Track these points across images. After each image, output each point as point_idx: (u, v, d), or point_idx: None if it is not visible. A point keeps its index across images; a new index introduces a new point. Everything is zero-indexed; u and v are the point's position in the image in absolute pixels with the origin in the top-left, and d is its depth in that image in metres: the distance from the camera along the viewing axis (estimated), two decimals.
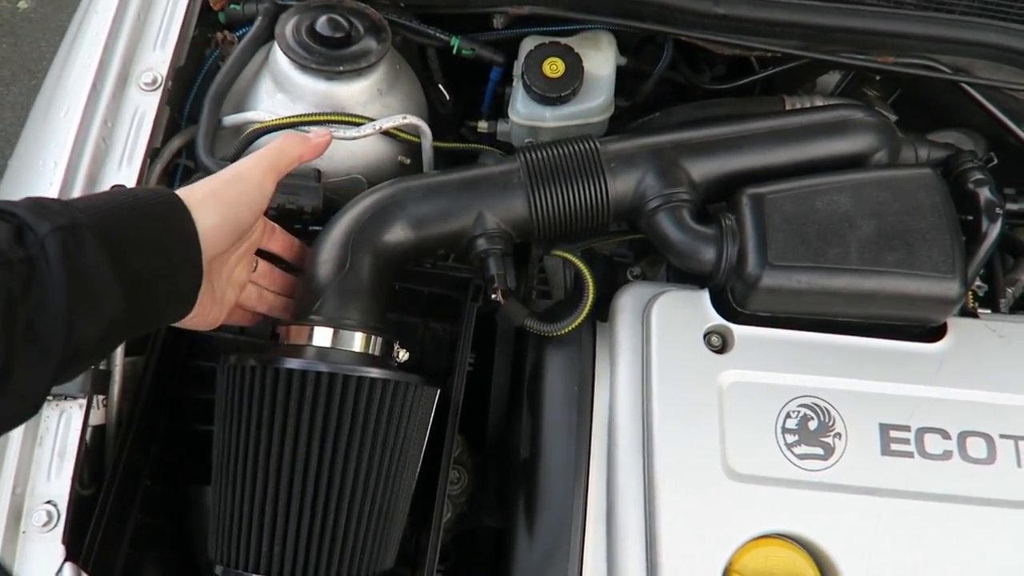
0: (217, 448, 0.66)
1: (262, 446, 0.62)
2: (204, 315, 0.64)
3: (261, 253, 0.72)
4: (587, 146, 0.74)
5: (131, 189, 0.57)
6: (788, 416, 0.69)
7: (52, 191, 0.72)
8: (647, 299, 0.75)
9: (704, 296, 0.73)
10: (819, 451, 0.68)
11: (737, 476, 0.67)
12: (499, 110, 0.95)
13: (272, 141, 0.66)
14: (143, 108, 0.77)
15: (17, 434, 0.65)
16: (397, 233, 0.71)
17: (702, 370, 0.70)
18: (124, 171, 0.74)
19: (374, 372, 0.63)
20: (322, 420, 0.61)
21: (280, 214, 0.75)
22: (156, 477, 0.80)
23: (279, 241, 0.72)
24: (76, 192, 0.73)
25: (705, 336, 0.72)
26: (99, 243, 0.48)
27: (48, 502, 0.65)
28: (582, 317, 0.73)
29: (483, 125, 0.94)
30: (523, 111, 0.84)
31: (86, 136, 0.74)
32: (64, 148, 0.73)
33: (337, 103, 0.81)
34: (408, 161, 0.86)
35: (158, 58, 0.79)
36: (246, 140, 0.78)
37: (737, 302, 0.72)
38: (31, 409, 0.49)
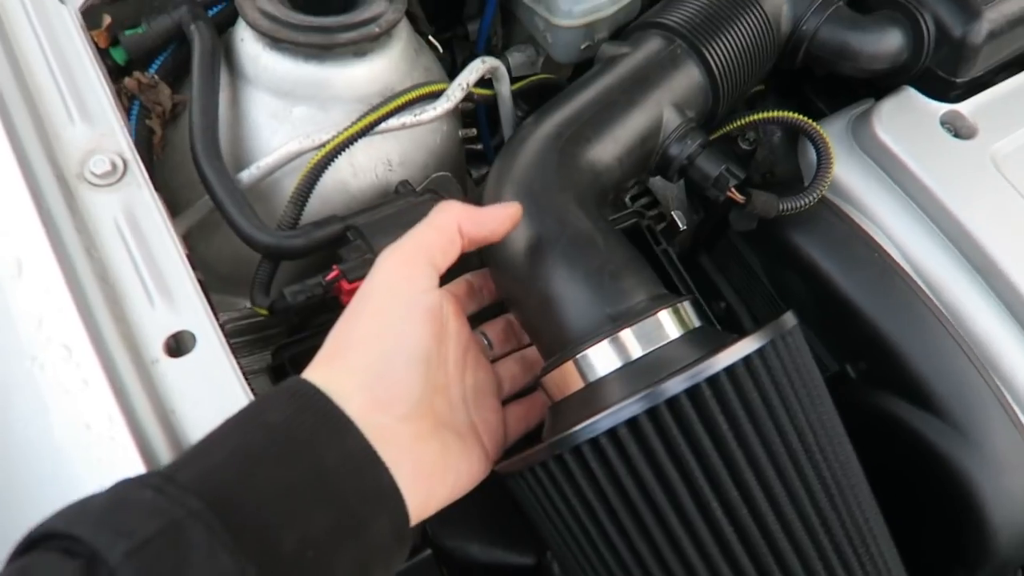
0: None
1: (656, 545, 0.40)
2: (457, 476, 0.43)
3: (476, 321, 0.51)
4: None
5: (257, 410, 0.37)
6: None
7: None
8: (848, 127, 0.63)
9: (911, 92, 0.63)
10: None
11: None
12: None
13: (419, 229, 0.43)
14: (130, 207, 0.47)
15: None
16: (593, 166, 0.51)
17: (972, 160, 0.60)
18: (161, 306, 0.44)
19: (736, 350, 0.42)
20: (719, 452, 0.39)
21: None
22: None
23: (469, 292, 0.50)
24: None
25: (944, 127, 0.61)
26: (222, 543, 0.31)
27: None
28: (831, 172, 0.58)
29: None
30: (577, 8, 0.65)
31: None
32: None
33: (383, 87, 0.56)
34: (473, 132, 0.64)
35: (88, 134, 0.48)
36: (307, 181, 0.51)
37: (952, 74, 0.62)
38: None
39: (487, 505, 0.59)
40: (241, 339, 0.58)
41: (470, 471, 0.43)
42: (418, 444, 0.40)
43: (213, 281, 0.48)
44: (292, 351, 0.52)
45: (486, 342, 0.51)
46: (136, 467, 0.38)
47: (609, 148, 0.53)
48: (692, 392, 0.39)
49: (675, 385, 0.38)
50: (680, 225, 0.62)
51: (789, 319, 0.44)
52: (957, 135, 0.61)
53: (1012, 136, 0.61)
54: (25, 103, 0.48)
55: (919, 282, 0.57)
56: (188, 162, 0.56)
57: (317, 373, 0.39)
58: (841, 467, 0.43)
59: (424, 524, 0.58)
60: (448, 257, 0.43)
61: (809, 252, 0.59)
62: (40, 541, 0.32)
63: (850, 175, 0.62)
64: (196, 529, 0.31)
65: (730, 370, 0.39)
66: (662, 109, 0.55)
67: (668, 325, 0.44)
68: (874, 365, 0.58)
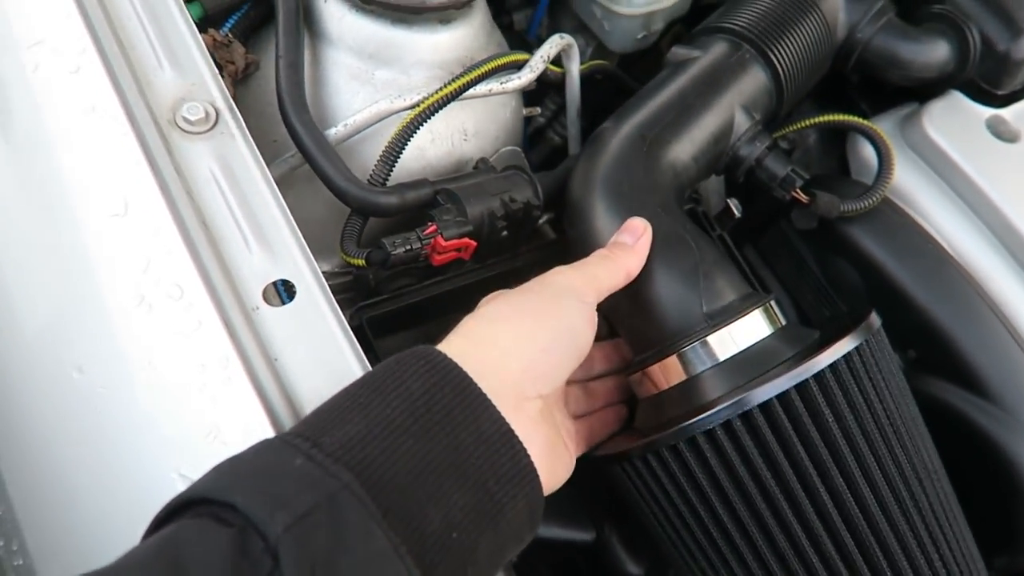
0: None
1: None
2: (561, 462, 0.44)
3: None
4: None
5: (394, 377, 0.36)
6: None
7: None
8: (897, 128, 0.66)
9: (959, 96, 0.66)
10: None
11: None
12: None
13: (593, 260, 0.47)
14: (224, 156, 0.46)
15: None
16: (673, 166, 0.53)
17: (1016, 162, 0.63)
18: (259, 254, 0.43)
19: (838, 348, 0.43)
20: (824, 442, 0.42)
21: (509, 221, 0.51)
22: None
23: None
24: None
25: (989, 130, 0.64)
26: (375, 520, 0.31)
27: None
28: (893, 174, 0.60)
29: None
30: None
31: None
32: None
33: (463, 55, 0.56)
34: (538, 110, 0.65)
35: (178, 82, 0.47)
36: (401, 139, 0.50)
37: (994, 86, 0.65)
38: None
39: None
40: None
41: (565, 464, 0.44)
42: (543, 421, 0.40)
43: None
44: (369, 313, 0.51)
45: None
46: (255, 413, 0.37)
47: (687, 148, 0.55)
48: (800, 388, 0.42)
49: (786, 381, 0.41)
50: (735, 212, 0.64)
51: (875, 319, 0.47)
52: (1000, 138, 0.65)
53: None
54: (120, 49, 0.47)
55: (971, 273, 0.60)
56: (259, 124, 0.55)
57: (454, 345, 0.39)
58: (928, 454, 0.46)
59: None
60: (607, 292, 0.45)
61: (865, 243, 0.61)
62: (187, 507, 0.31)
63: (901, 172, 0.64)
64: (351, 504, 0.30)
65: (833, 367, 0.42)
66: (733, 111, 0.57)
67: (761, 323, 0.47)
68: (926, 352, 0.60)
